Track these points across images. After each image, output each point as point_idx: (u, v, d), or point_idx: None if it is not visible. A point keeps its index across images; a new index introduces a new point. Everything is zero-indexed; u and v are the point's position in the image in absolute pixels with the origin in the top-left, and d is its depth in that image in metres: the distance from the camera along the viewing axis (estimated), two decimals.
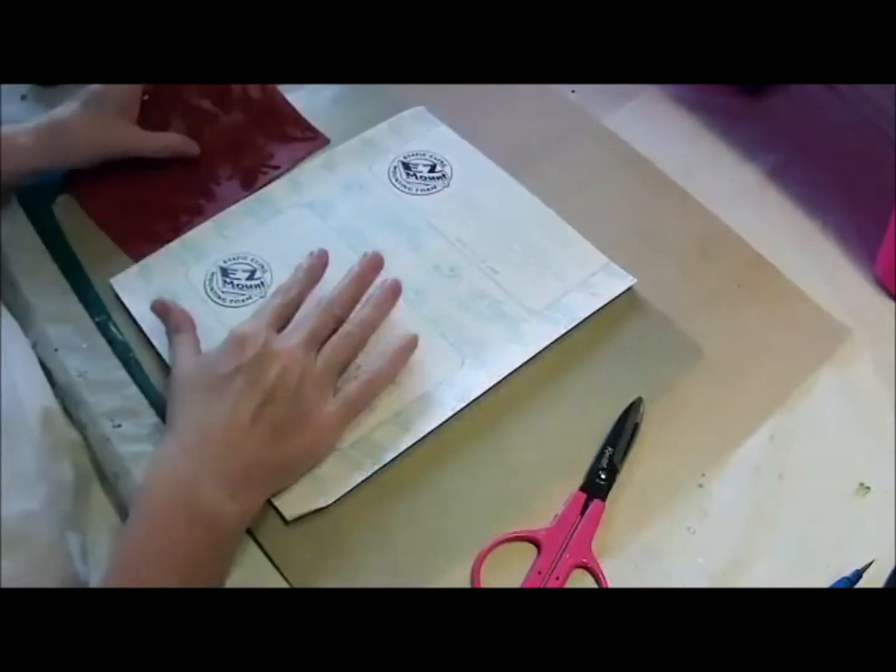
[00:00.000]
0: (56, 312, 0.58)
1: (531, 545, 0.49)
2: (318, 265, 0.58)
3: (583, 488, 0.51)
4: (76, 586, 0.48)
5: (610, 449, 0.52)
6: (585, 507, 0.50)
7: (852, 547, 0.49)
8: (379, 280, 0.58)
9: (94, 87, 0.61)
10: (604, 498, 0.50)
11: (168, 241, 0.61)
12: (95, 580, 0.51)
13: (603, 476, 0.51)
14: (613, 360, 0.56)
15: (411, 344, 0.55)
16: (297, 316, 0.55)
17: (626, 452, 0.52)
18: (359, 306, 0.56)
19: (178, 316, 0.56)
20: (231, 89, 0.69)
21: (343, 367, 0.53)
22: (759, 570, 0.49)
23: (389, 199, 0.64)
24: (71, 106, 0.61)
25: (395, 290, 0.57)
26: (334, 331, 0.54)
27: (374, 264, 0.58)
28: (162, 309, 0.57)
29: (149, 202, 0.64)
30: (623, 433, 0.52)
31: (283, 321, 0.54)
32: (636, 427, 0.53)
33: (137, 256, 0.61)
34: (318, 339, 0.53)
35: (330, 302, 0.55)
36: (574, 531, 0.49)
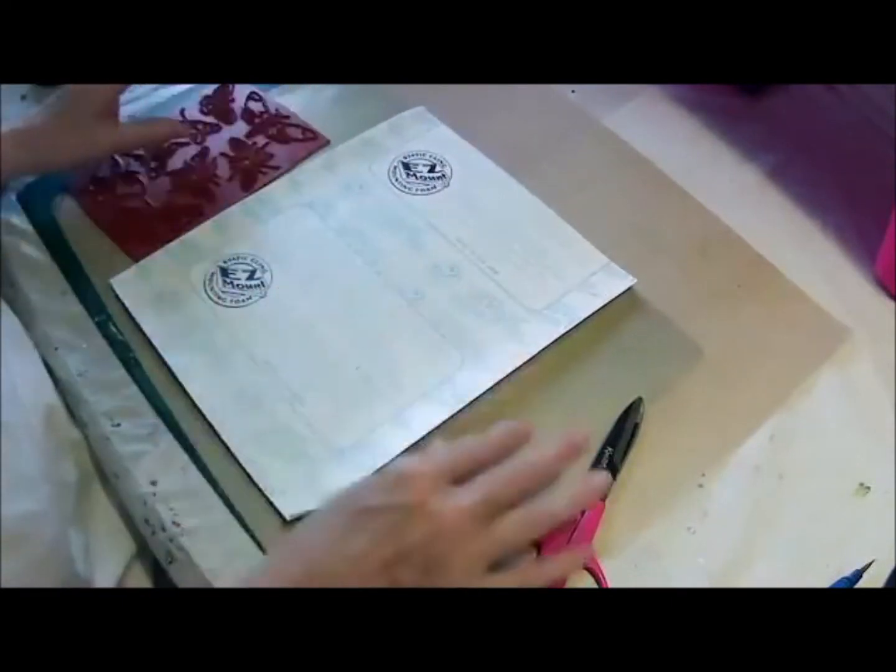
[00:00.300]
0: (56, 312, 0.58)
1: (531, 546, 0.49)
2: (524, 435, 0.46)
3: None
4: (77, 586, 0.48)
5: (610, 449, 0.52)
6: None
7: (852, 547, 0.49)
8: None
9: (69, 91, 0.59)
10: (604, 498, 0.50)
11: (168, 241, 0.61)
12: (98, 580, 0.51)
13: None
14: (613, 360, 0.56)
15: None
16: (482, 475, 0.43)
17: (626, 453, 0.52)
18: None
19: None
20: (231, 103, 0.70)
21: (514, 552, 0.43)
22: (759, 570, 0.49)
23: (389, 199, 0.64)
24: (44, 113, 0.59)
25: (601, 493, 0.48)
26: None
27: (582, 445, 0.46)
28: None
29: (148, 203, 0.64)
30: (623, 433, 0.52)
31: (461, 474, 0.43)
32: (636, 427, 0.53)
33: (137, 257, 0.61)
34: (495, 512, 0.42)
35: (526, 472, 0.44)
36: (574, 532, 0.49)
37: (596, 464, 0.52)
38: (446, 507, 0.41)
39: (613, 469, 0.51)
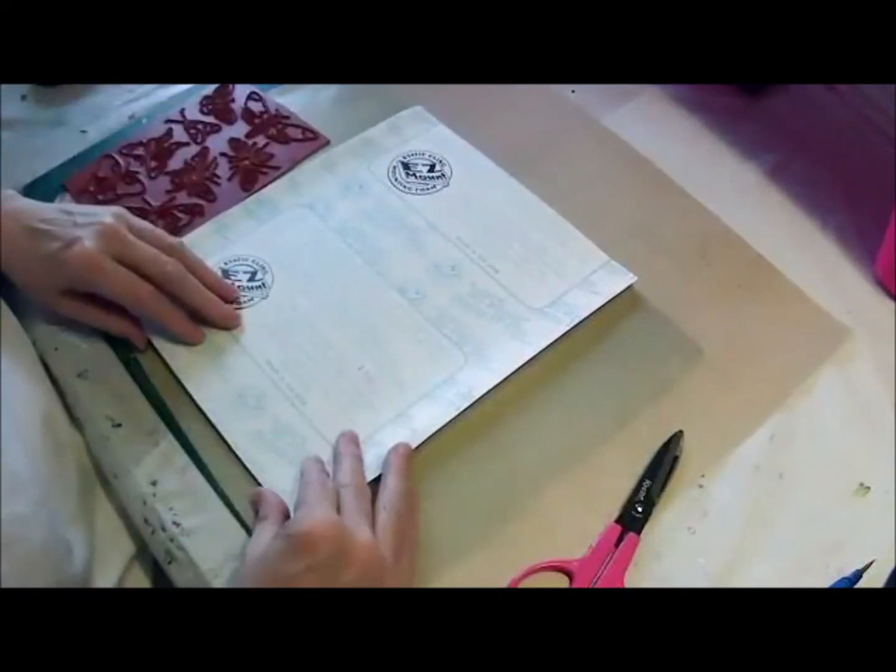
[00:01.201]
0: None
1: (563, 575, 0.49)
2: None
3: (618, 521, 0.50)
4: (72, 587, 0.48)
5: (648, 482, 0.51)
6: (620, 539, 0.49)
7: (852, 547, 0.49)
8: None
9: (70, 258, 0.52)
10: (639, 531, 0.49)
11: None
12: (98, 580, 0.51)
13: (639, 509, 0.50)
14: (613, 359, 0.56)
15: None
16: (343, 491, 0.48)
17: (664, 485, 0.51)
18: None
19: (267, 504, 0.49)
20: (231, 104, 0.70)
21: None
22: (758, 570, 0.49)
23: (389, 199, 0.64)
24: (38, 249, 0.53)
25: (408, 455, 0.52)
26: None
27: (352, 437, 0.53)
28: (257, 499, 0.50)
29: (148, 202, 0.64)
30: (662, 466, 0.51)
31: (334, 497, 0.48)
32: (675, 460, 0.52)
33: None
34: (372, 513, 0.48)
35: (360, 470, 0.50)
36: (607, 564, 0.49)
37: (633, 496, 0.51)
38: (361, 540, 0.44)
39: (650, 502, 0.50)
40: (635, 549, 0.49)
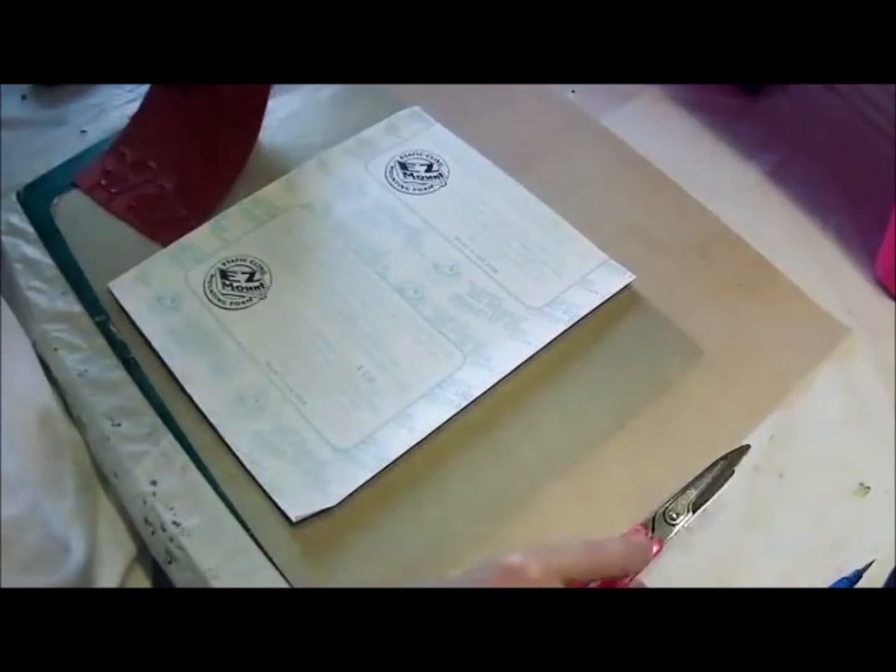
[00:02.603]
0: (56, 312, 0.58)
1: None
2: (640, 553, 0.47)
3: (645, 523, 0.49)
4: (66, 587, 0.48)
5: (693, 491, 0.49)
6: None
7: (852, 547, 0.49)
8: None
9: None
10: (664, 539, 0.48)
11: (192, 220, 0.62)
12: (101, 580, 0.51)
13: (673, 516, 0.48)
14: (612, 358, 0.56)
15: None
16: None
17: (708, 498, 0.49)
18: None
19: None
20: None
21: None
22: (759, 570, 0.49)
23: (387, 199, 0.64)
24: None
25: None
26: None
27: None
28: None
29: (163, 186, 0.64)
30: (716, 480, 0.49)
31: (568, 579, 0.43)
32: (731, 474, 0.50)
33: (166, 242, 0.61)
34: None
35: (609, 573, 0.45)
36: None
37: (672, 502, 0.49)
38: None
39: (690, 511, 0.49)
40: (658, 555, 0.47)
